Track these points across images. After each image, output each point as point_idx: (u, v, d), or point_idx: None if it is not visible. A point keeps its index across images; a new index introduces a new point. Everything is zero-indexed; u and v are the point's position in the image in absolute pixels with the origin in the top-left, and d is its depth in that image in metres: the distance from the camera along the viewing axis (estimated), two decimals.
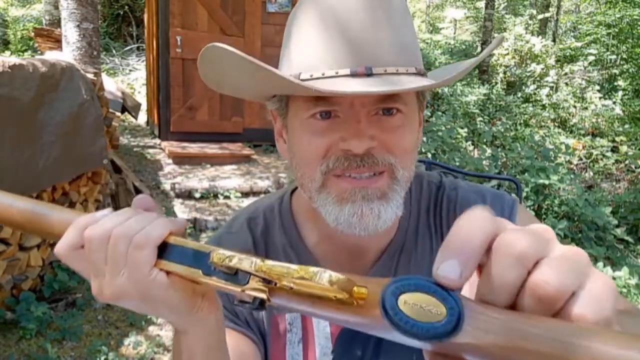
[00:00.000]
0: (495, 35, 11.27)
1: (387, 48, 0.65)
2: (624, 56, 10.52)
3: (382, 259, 0.81)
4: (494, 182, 4.84)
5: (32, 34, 6.61)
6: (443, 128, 6.68)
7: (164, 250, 0.46)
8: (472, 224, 0.31)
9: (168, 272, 0.46)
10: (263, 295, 0.40)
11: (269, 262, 0.37)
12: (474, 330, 0.28)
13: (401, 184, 0.70)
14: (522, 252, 0.30)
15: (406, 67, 0.66)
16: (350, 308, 0.33)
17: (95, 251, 0.47)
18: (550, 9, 13.29)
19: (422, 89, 0.66)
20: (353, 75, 0.64)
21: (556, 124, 9.06)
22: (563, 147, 7.23)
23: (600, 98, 9.51)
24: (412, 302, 0.29)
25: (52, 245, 3.02)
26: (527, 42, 10.65)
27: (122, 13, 10.17)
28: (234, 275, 0.42)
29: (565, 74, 10.46)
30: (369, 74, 0.64)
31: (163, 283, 0.45)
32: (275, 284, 0.38)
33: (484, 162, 5.94)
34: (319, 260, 0.82)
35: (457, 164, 5.82)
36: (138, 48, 9.55)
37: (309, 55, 0.67)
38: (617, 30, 10.63)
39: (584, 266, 0.30)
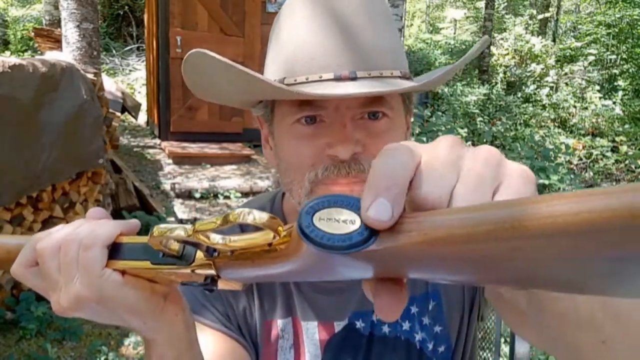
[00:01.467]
0: (496, 35, 11.28)
1: (371, 52, 0.66)
2: (624, 56, 10.52)
3: None
4: None
5: (32, 34, 6.62)
6: (443, 128, 6.68)
7: (117, 252, 0.46)
8: (395, 158, 0.29)
9: (123, 273, 0.46)
10: (212, 272, 0.40)
11: (200, 221, 0.37)
12: (392, 233, 0.27)
13: None
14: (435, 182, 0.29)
15: (390, 70, 0.67)
16: (284, 253, 0.33)
17: (48, 261, 0.47)
18: (550, 9, 13.29)
19: (404, 90, 0.66)
20: (337, 79, 0.64)
21: (556, 124, 9.06)
22: (563, 147, 7.23)
23: (600, 98, 9.51)
24: (326, 218, 0.28)
25: None
26: (527, 42, 10.66)
27: (122, 13, 10.18)
28: (180, 258, 0.42)
29: (565, 74, 10.46)
30: (353, 77, 0.64)
31: (116, 281, 0.45)
32: (218, 253, 0.38)
33: None
34: None
35: None
36: (138, 48, 9.55)
37: (293, 60, 0.67)
38: (617, 30, 10.62)
39: (497, 167, 0.30)
